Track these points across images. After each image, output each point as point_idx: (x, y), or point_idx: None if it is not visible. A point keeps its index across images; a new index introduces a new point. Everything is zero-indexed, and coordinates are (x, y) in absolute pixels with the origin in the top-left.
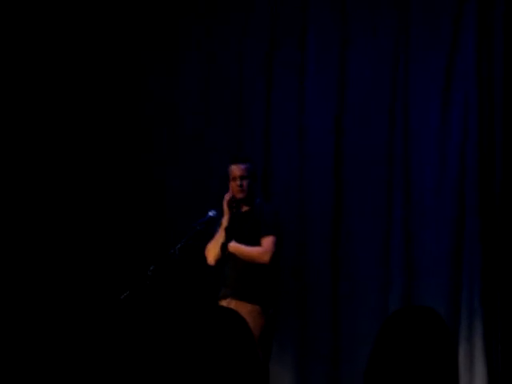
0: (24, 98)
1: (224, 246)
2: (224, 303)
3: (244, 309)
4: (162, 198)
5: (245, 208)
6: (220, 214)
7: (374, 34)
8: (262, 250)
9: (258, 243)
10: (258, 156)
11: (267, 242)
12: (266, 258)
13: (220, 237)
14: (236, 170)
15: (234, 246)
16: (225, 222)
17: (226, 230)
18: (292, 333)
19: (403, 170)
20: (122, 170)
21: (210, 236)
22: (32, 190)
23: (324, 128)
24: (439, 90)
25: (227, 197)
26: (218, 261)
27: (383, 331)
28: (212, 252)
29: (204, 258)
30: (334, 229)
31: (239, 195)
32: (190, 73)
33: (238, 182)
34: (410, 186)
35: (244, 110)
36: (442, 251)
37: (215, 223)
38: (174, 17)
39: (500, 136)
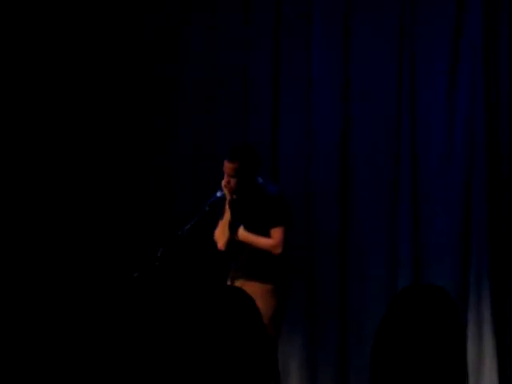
0: (26, 85)
1: (232, 226)
2: (237, 285)
3: (258, 289)
4: (169, 180)
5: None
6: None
7: (379, 9)
8: (273, 242)
9: (264, 224)
10: (265, 133)
11: (277, 233)
12: (277, 251)
13: (226, 220)
14: (225, 166)
15: (243, 234)
16: (227, 206)
17: (231, 208)
18: (301, 311)
19: (410, 146)
20: (129, 153)
21: (218, 217)
22: (38, 172)
23: (331, 104)
24: (446, 61)
25: (224, 183)
26: (229, 245)
27: (391, 308)
28: (221, 238)
29: (213, 240)
30: (342, 206)
31: (229, 190)
32: (195, 50)
33: (226, 179)
34: (417, 163)
35: (250, 90)
36: (450, 229)
37: (223, 203)
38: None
39: (507, 109)
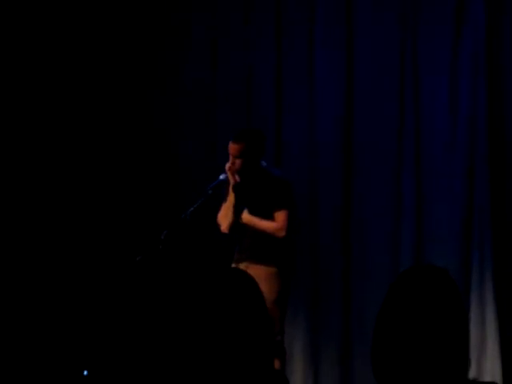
0: (25, 84)
1: (236, 209)
2: (242, 267)
3: (262, 272)
4: (174, 164)
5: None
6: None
7: (381, 9)
8: (277, 225)
9: (268, 207)
10: (269, 128)
11: (281, 216)
12: (281, 234)
13: (230, 203)
14: (230, 148)
15: (247, 217)
16: (231, 189)
17: (235, 191)
18: (305, 295)
19: (414, 139)
20: (134, 137)
21: (222, 200)
22: (40, 167)
23: (334, 102)
24: (448, 59)
25: (227, 165)
26: (232, 228)
27: (393, 289)
28: (224, 220)
29: (216, 223)
30: (345, 194)
31: (233, 172)
32: (198, 46)
33: (231, 161)
34: (420, 151)
35: (253, 87)
36: (453, 216)
37: (226, 187)
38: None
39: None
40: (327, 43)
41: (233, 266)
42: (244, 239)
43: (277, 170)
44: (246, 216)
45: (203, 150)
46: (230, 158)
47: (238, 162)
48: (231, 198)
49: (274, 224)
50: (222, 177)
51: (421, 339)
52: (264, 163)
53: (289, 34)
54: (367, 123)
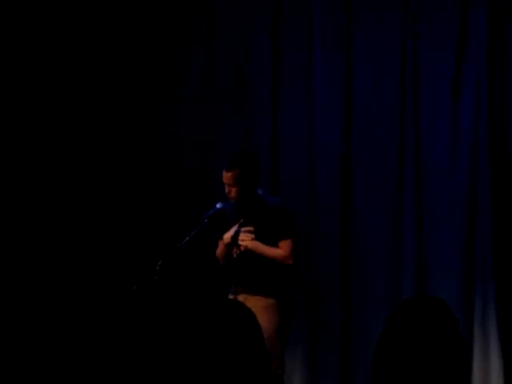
0: (26, 87)
1: (235, 236)
2: (240, 299)
3: (261, 303)
4: (170, 192)
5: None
6: (227, 206)
7: (382, 17)
8: (285, 253)
9: (271, 237)
10: (265, 146)
11: (287, 245)
12: (290, 262)
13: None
14: (224, 177)
15: (254, 243)
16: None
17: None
18: (304, 327)
19: (414, 155)
20: (131, 164)
21: (218, 230)
22: (35, 185)
23: (332, 115)
24: (450, 71)
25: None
26: (227, 260)
27: (391, 320)
28: (222, 255)
29: (211, 252)
30: (344, 219)
31: (231, 200)
32: (194, 59)
33: (227, 190)
34: (420, 173)
35: (251, 101)
36: (454, 239)
37: (222, 217)
38: (177, 5)
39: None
40: (326, 51)
41: (230, 297)
42: (241, 271)
43: (274, 197)
44: (253, 242)
45: (199, 173)
46: (226, 187)
47: (233, 190)
48: (228, 234)
49: (282, 252)
50: (218, 206)
51: (419, 371)
52: (260, 191)
53: (287, 48)
54: (366, 143)
